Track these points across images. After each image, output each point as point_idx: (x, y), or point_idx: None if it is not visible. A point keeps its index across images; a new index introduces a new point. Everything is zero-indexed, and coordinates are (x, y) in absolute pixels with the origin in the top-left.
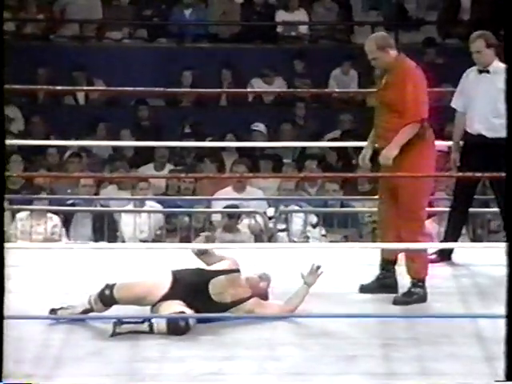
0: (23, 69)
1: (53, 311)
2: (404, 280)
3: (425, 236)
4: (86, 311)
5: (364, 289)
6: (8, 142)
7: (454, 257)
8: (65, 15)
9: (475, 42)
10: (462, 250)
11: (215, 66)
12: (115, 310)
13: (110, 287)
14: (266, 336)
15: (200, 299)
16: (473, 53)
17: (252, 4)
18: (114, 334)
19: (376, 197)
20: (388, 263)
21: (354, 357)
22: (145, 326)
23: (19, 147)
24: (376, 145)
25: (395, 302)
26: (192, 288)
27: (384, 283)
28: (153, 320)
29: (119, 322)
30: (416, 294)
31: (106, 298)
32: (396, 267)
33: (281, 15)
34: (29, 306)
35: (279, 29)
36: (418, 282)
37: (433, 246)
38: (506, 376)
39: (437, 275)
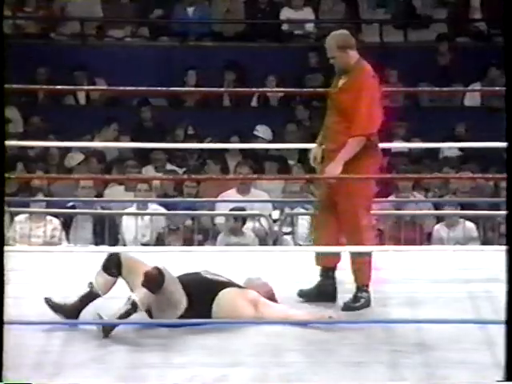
0: (22, 68)
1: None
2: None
3: (369, 238)
4: (84, 297)
5: (303, 295)
6: (7, 143)
7: (464, 260)
8: (65, 13)
9: None
10: (472, 253)
11: (219, 65)
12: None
13: (116, 254)
14: (270, 342)
15: (202, 312)
16: None
17: (256, 2)
18: (106, 335)
19: (382, 199)
20: (327, 270)
21: (359, 363)
22: (128, 305)
23: (18, 148)
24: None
25: (344, 308)
26: (196, 299)
27: (323, 291)
28: (132, 296)
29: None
30: (363, 298)
31: (113, 263)
32: (336, 274)
33: (286, 13)
34: (28, 311)
35: (284, 27)
36: (363, 286)
37: (434, 249)
38: (505, 376)
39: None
